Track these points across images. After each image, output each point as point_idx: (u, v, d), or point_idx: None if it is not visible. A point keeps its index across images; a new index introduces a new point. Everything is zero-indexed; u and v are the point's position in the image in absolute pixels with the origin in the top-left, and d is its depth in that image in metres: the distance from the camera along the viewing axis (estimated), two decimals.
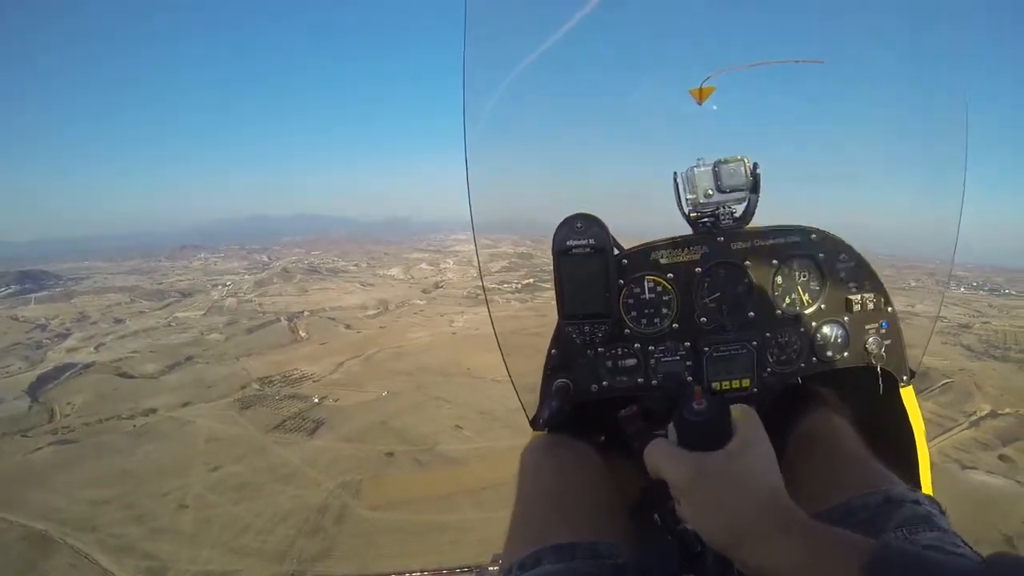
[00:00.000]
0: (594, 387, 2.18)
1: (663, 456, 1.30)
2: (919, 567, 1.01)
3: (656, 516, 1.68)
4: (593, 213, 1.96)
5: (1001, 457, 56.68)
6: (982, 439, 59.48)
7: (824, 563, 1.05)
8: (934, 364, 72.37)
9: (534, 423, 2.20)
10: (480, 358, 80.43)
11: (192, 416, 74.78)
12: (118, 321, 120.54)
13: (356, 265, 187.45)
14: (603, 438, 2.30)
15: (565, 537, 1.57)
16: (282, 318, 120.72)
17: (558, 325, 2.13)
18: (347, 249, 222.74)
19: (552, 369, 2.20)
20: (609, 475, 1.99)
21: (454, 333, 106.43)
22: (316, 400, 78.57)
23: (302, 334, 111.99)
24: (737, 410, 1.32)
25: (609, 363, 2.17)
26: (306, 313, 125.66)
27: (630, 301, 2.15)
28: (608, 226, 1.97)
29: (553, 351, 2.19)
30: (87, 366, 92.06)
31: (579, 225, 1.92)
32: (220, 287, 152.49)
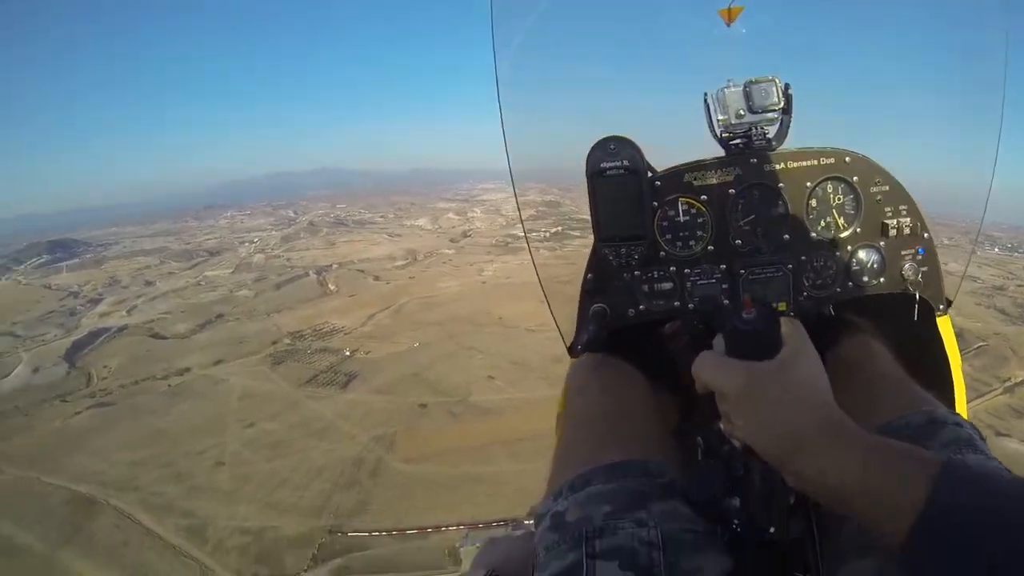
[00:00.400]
0: (631, 311, 2.18)
1: (714, 366, 1.30)
2: (987, 481, 1.01)
3: (699, 439, 1.72)
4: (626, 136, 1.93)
5: None
6: (1017, 406, 57.93)
7: (886, 475, 1.01)
8: (968, 326, 71.30)
9: (572, 349, 2.21)
10: (511, 307, 79.51)
11: (225, 374, 74.88)
12: (148, 283, 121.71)
13: (383, 216, 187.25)
14: (641, 361, 2.16)
15: (615, 456, 1.55)
16: (310, 272, 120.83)
17: (593, 248, 2.11)
18: (373, 201, 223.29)
19: (588, 293, 2.19)
20: (652, 396, 1.97)
21: (484, 282, 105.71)
22: (347, 353, 78.17)
23: (331, 287, 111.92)
24: (786, 322, 1.33)
25: (645, 287, 2.16)
26: (334, 266, 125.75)
27: (664, 223, 2.12)
28: (641, 149, 1.94)
29: (589, 275, 2.18)
30: (120, 329, 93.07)
31: (612, 147, 1.90)
32: (247, 244, 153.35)
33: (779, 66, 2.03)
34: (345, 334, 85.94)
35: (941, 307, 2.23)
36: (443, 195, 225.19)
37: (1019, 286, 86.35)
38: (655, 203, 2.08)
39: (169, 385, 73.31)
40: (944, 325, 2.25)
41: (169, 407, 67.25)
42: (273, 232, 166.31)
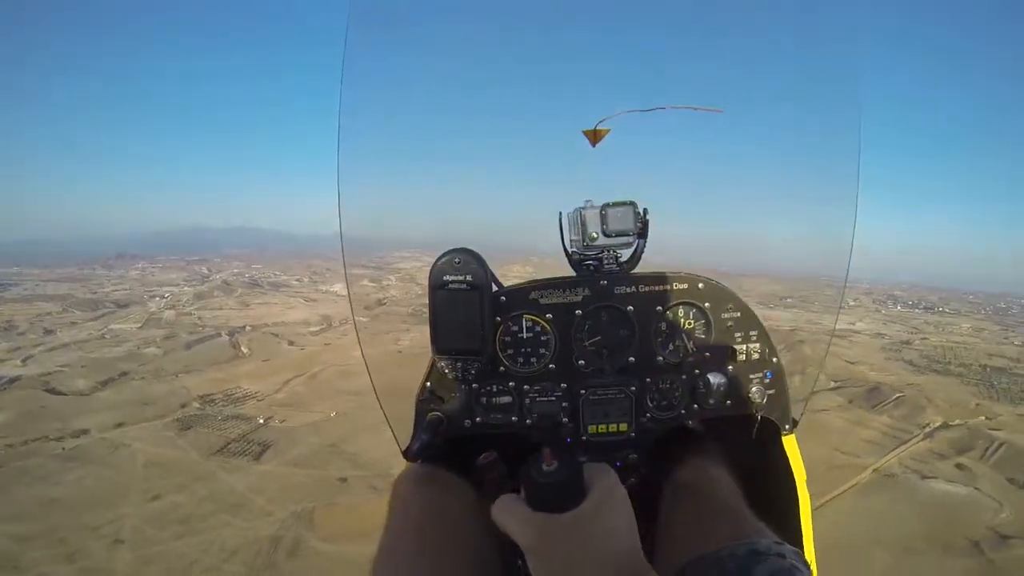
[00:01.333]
0: (467, 422, 2.20)
1: (509, 515, 1.31)
2: None
3: (520, 563, 1.66)
4: (472, 248, 1.97)
5: (958, 466, 60.27)
6: (937, 450, 62.56)
7: None
8: (883, 379, 76.93)
9: (406, 454, 2.19)
10: (410, 368, 76.07)
11: (127, 438, 70.20)
12: (48, 332, 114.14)
13: (298, 280, 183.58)
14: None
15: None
16: (223, 333, 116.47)
17: (431, 359, 2.13)
18: (289, 264, 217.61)
19: (424, 401, 2.21)
20: (480, 514, 1.84)
21: (400, 352, 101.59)
22: (261, 421, 75.07)
23: (244, 350, 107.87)
24: (594, 469, 1.35)
25: (483, 399, 2.19)
26: (248, 328, 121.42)
27: (507, 339, 2.16)
28: (486, 263, 1.97)
29: (427, 384, 2.21)
30: (12, 380, 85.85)
31: (457, 261, 1.92)
32: (158, 299, 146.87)
33: (639, 189, 2.13)
34: (258, 400, 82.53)
35: (787, 427, 2.31)
36: (358, 261, 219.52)
37: (923, 339, 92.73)
38: (498, 318, 2.13)
39: (64, 448, 67.76)
40: (790, 444, 2.32)
41: (63, 473, 62.18)
42: (186, 288, 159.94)
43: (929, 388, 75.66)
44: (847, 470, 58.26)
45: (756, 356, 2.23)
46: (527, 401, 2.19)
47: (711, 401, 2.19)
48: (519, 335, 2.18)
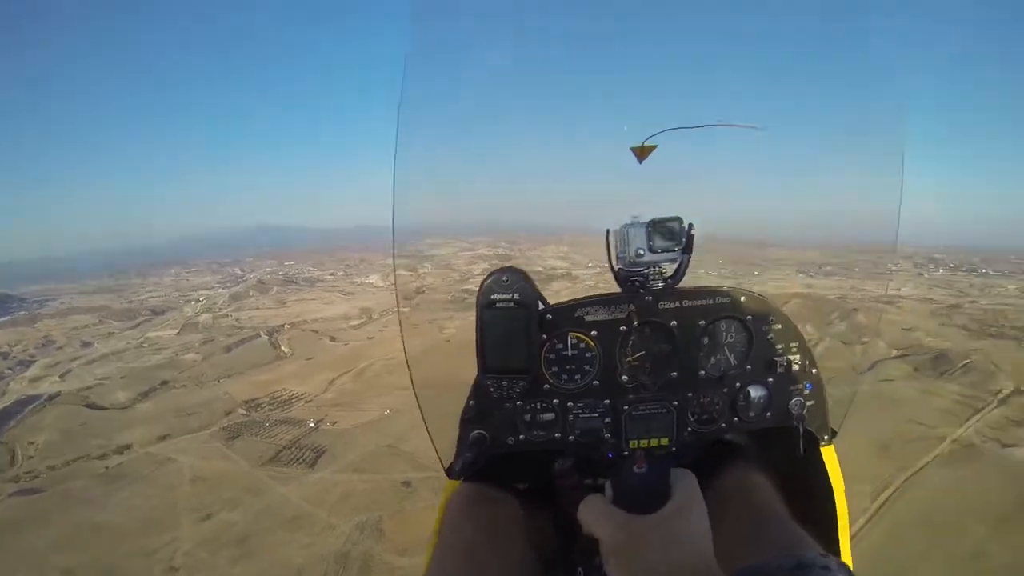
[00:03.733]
0: (511, 440, 2.24)
1: (598, 514, 1.37)
2: None
3: (580, 570, 1.97)
4: (519, 267, 2.01)
5: None
6: (1015, 416, 59.33)
7: None
8: (942, 345, 75.12)
9: (449, 471, 2.27)
10: (456, 374, 71.70)
11: (172, 452, 66.14)
12: (86, 344, 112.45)
13: (332, 274, 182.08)
14: (524, 486, 2.34)
15: None
16: (262, 333, 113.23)
17: (477, 378, 2.17)
18: (320, 259, 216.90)
19: (468, 420, 2.25)
20: (528, 529, 2.06)
21: (447, 340, 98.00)
22: (312, 424, 70.46)
23: (285, 349, 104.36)
24: (678, 475, 1.41)
25: (527, 416, 2.22)
26: (287, 326, 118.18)
27: (552, 356, 2.20)
28: (534, 282, 2.02)
29: (471, 402, 2.24)
30: (52, 397, 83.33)
31: (505, 279, 1.97)
32: (193, 303, 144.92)
33: (685, 205, 2.12)
34: (306, 402, 78.22)
35: (826, 437, 2.32)
36: (390, 251, 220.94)
37: (971, 303, 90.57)
38: (544, 335, 2.14)
39: (107, 467, 63.94)
40: (828, 454, 2.32)
41: (108, 495, 58.07)
42: (220, 290, 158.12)
43: (992, 353, 71.85)
44: (925, 442, 54.84)
45: (796, 368, 2.24)
46: (570, 418, 2.21)
47: (752, 414, 2.23)
48: (564, 353, 2.19)
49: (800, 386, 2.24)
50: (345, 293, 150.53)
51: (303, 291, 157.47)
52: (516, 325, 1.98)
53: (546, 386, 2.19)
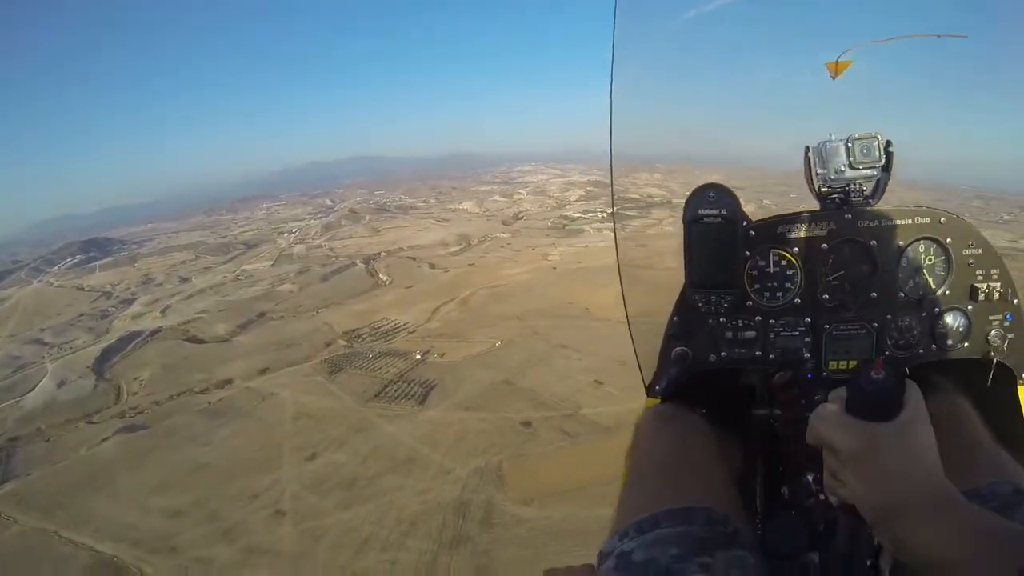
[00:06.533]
0: (712, 357, 2.23)
1: (835, 423, 1.33)
2: None
3: (784, 489, 2.05)
4: (723, 183, 2.03)
5: None
6: None
7: (990, 556, 1.06)
8: None
9: (650, 390, 2.29)
10: (594, 296, 67.43)
11: (274, 386, 62.99)
12: (184, 280, 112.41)
13: (424, 201, 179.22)
14: (705, 411, 2.29)
15: (680, 502, 1.66)
16: (358, 261, 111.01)
17: (682, 292, 2.19)
18: (412, 187, 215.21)
19: (672, 336, 2.26)
20: (718, 447, 2.06)
21: (554, 268, 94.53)
22: (418, 356, 65.79)
23: (383, 277, 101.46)
24: (907, 386, 1.39)
25: (729, 334, 2.20)
26: (383, 254, 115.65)
27: (754, 273, 2.18)
28: (738, 198, 2.03)
29: (675, 318, 2.25)
30: (154, 333, 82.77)
31: (711, 195, 1.97)
32: (286, 235, 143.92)
33: (883, 121, 2.10)
34: (410, 332, 74.00)
35: None
36: (482, 178, 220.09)
37: None
38: (747, 252, 2.12)
39: (209, 403, 61.49)
40: None
41: (211, 431, 55.37)
42: (312, 221, 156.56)
43: None
44: None
45: (997, 296, 2.12)
46: (771, 336, 2.18)
47: (949, 341, 2.15)
48: (766, 269, 2.17)
49: (1000, 317, 2.12)
50: (440, 220, 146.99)
51: (396, 219, 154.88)
52: (723, 240, 1.97)
53: (749, 303, 2.16)
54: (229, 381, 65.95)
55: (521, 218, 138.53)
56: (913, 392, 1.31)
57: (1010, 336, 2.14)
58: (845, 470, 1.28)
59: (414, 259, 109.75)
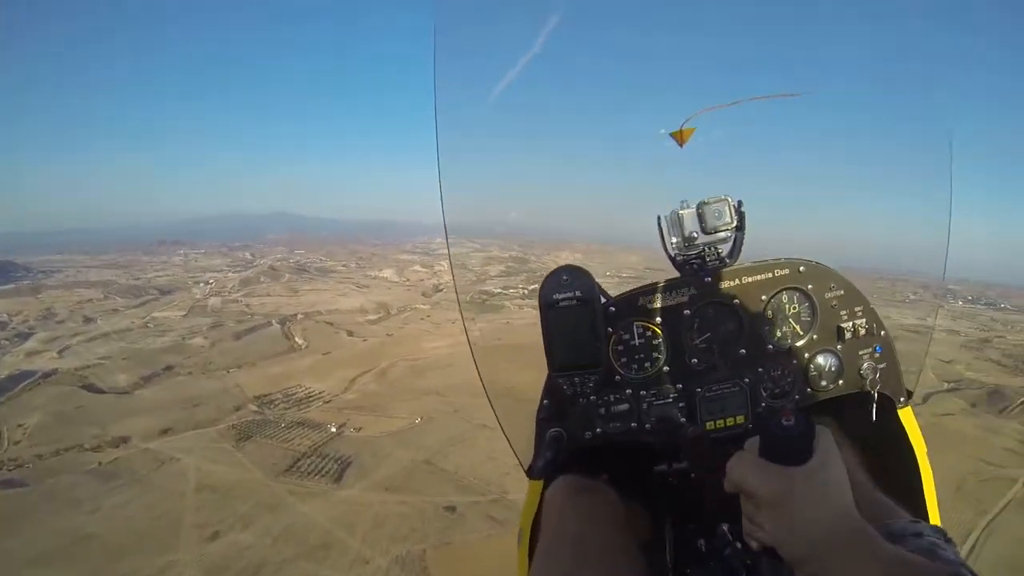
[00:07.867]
0: (587, 434, 2.25)
1: (751, 468, 1.37)
2: None
3: (701, 542, 2.15)
4: (579, 264, 2.04)
5: None
6: None
7: None
8: (986, 380, 74.53)
9: (530, 472, 2.27)
10: (517, 376, 64.91)
11: (175, 450, 59.59)
12: (88, 320, 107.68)
13: (345, 265, 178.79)
14: (608, 475, 2.32)
15: None
16: (274, 321, 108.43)
17: (548, 377, 2.19)
18: (333, 249, 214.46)
19: (544, 419, 2.26)
20: (626, 515, 2.09)
21: (474, 344, 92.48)
22: (334, 429, 63.84)
23: (299, 341, 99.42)
24: (817, 430, 1.43)
25: (601, 410, 2.24)
26: (300, 316, 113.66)
27: (620, 348, 2.21)
28: (594, 277, 2.04)
29: (545, 401, 2.26)
30: (47, 375, 78.29)
31: (565, 278, 1.98)
32: (203, 284, 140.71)
33: (732, 182, 2.21)
34: (325, 402, 72.17)
35: (902, 399, 2.31)
36: (403, 247, 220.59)
37: (999, 337, 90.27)
38: (609, 328, 2.16)
39: (100, 462, 57.47)
40: (906, 416, 2.31)
41: (100, 496, 51.30)
42: (230, 274, 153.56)
43: None
44: (998, 483, 52.13)
45: (863, 331, 2.22)
46: (644, 406, 2.23)
47: (824, 383, 2.23)
48: (631, 343, 2.21)
49: (870, 350, 2.24)
50: (360, 286, 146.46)
51: (316, 280, 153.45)
52: (581, 322, 1.97)
53: (617, 378, 2.20)
54: (126, 440, 62.21)
55: (441, 290, 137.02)
56: (824, 436, 1.36)
57: (881, 367, 2.24)
58: (763, 514, 1.32)
59: (332, 324, 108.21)
